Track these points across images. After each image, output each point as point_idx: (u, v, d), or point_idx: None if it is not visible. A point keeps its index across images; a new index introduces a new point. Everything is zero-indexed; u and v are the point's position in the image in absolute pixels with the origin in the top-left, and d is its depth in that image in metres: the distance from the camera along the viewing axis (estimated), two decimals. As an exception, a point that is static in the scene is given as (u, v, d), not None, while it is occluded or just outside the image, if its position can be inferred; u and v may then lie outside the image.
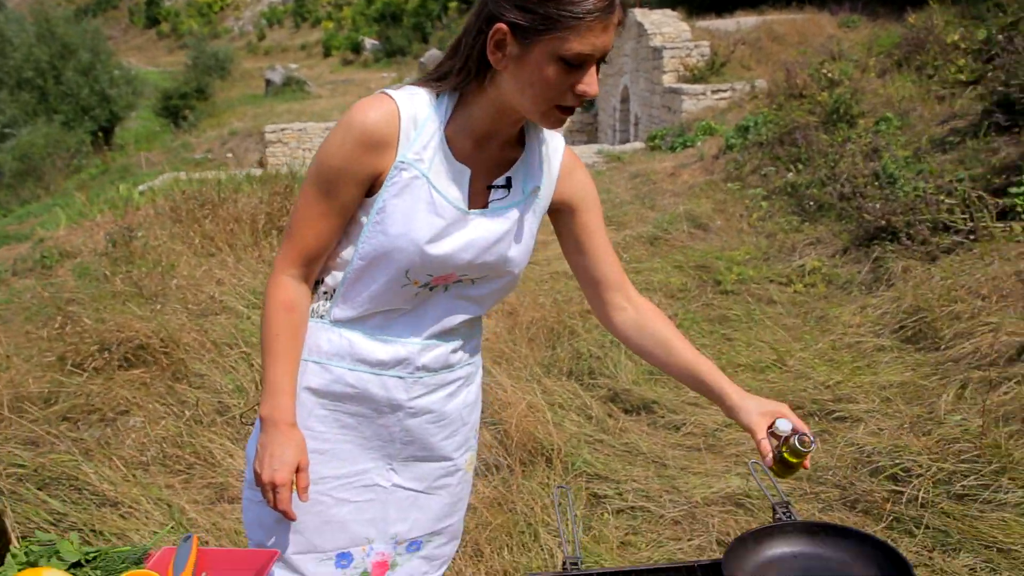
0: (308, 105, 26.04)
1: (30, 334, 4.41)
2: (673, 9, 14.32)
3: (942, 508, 2.81)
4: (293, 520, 1.43)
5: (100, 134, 24.53)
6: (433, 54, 25.88)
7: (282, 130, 16.29)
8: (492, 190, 1.44)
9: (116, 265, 5.77)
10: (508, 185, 1.45)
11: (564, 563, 1.69)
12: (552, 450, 3.32)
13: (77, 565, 1.05)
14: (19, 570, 1.03)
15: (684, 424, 3.60)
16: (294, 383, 1.47)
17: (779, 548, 1.60)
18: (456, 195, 1.39)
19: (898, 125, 6.83)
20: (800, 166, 6.92)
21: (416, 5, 34.42)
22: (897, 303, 4.34)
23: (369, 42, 34.82)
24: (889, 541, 1.59)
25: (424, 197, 1.36)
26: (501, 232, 1.44)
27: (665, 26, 12.79)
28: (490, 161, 1.43)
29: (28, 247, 7.60)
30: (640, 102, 13.22)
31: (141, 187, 10.43)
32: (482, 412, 3.69)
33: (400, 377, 1.50)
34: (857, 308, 4.54)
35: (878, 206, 5.24)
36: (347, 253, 1.46)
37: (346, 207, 1.40)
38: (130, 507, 3.02)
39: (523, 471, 3.27)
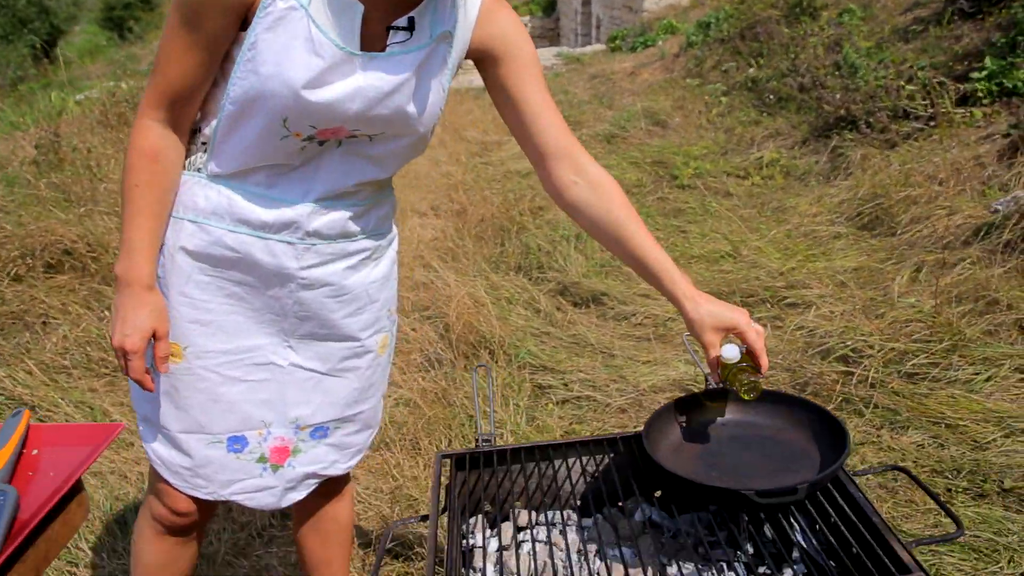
0: (259, 14, 24.89)
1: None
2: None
3: (892, 387, 2.75)
4: (150, 391, 1.28)
5: (41, 47, 23.30)
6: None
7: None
8: (391, 32, 1.24)
9: (43, 172, 5.44)
10: (411, 27, 1.24)
11: (477, 440, 1.57)
12: (495, 343, 3.20)
13: None
14: None
15: (634, 315, 3.49)
16: (154, 241, 1.28)
17: (707, 416, 1.49)
18: (342, 34, 1.18)
19: (861, 16, 6.60)
20: (761, 60, 6.70)
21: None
22: (854, 191, 4.22)
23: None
24: (824, 406, 1.48)
25: (302, 33, 1.16)
26: (398, 82, 1.24)
27: (627, -79, 12.22)
28: None
29: (-45, 159, 7.17)
30: (602, 4, 12.77)
31: (78, 96, 9.89)
32: (426, 309, 3.49)
33: (289, 243, 1.34)
34: (814, 198, 4.42)
35: (838, 96, 5.08)
36: (222, 97, 1.27)
37: (214, 40, 1.19)
38: (48, 410, 2.86)
39: (465, 365, 3.15)
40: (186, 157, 1.34)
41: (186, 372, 1.38)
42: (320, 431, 1.51)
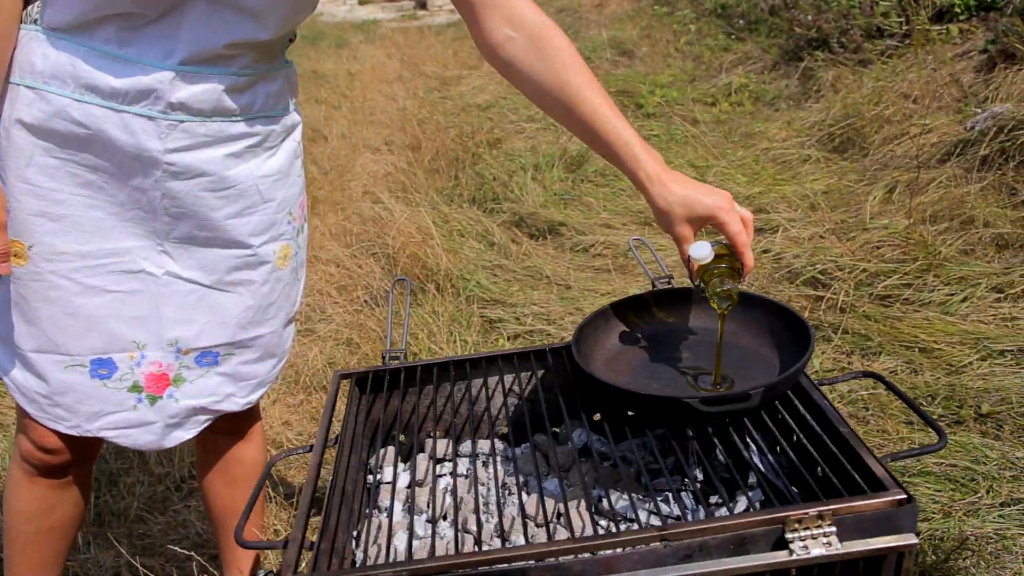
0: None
1: None
2: None
3: (863, 311, 2.58)
4: None
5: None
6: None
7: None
8: None
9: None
10: None
11: (384, 356, 1.36)
12: (441, 275, 2.98)
13: None
14: None
15: (593, 245, 3.29)
16: None
17: (652, 322, 1.29)
18: None
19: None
20: (731, -14, 6.41)
21: None
22: (826, 113, 4.01)
23: None
24: (782, 302, 1.28)
25: None
26: None
27: None
28: None
29: None
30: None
31: None
32: (375, 240, 3.14)
33: (149, 117, 1.09)
34: (784, 122, 4.21)
35: (810, 16, 4.83)
36: None
37: None
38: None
39: (412, 300, 2.93)
40: (23, 7, 1.09)
41: (34, 278, 1.15)
42: (208, 356, 1.29)
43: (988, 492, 1.93)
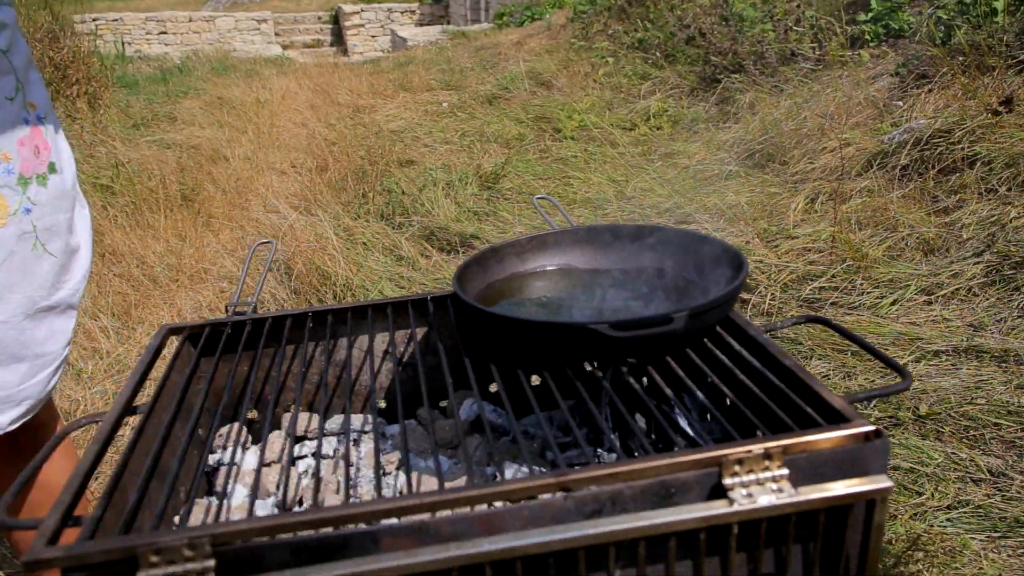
0: (133, 3, 23.52)
1: None
2: None
3: (792, 315, 2.43)
4: None
5: None
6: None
7: (94, 20, 14.40)
8: None
9: None
10: None
11: (227, 307, 1.10)
12: (340, 284, 2.71)
13: None
14: None
15: (508, 258, 3.07)
16: None
17: (539, 260, 1.07)
18: None
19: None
20: (649, 24, 6.44)
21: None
22: (744, 132, 3.95)
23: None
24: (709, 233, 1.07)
25: None
26: None
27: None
28: None
29: None
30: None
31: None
32: (274, 260, 2.75)
33: None
34: (703, 143, 4.13)
35: (726, 43, 4.83)
36: None
37: None
38: None
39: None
40: None
41: None
42: None
43: (934, 494, 1.76)
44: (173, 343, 1.06)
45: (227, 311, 1.07)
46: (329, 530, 0.61)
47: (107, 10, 21.89)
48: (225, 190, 4.11)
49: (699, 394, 0.79)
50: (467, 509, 0.63)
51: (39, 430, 1.15)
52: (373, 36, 15.19)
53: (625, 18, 6.91)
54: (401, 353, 1.09)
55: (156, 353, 0.97)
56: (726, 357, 0.85)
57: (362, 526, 0.62)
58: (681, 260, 0.97)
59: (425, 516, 0.63)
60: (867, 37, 4.38)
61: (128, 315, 2.78)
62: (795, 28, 4.47)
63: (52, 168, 1.04)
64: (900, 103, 3.64)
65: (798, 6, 4.65)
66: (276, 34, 15.05)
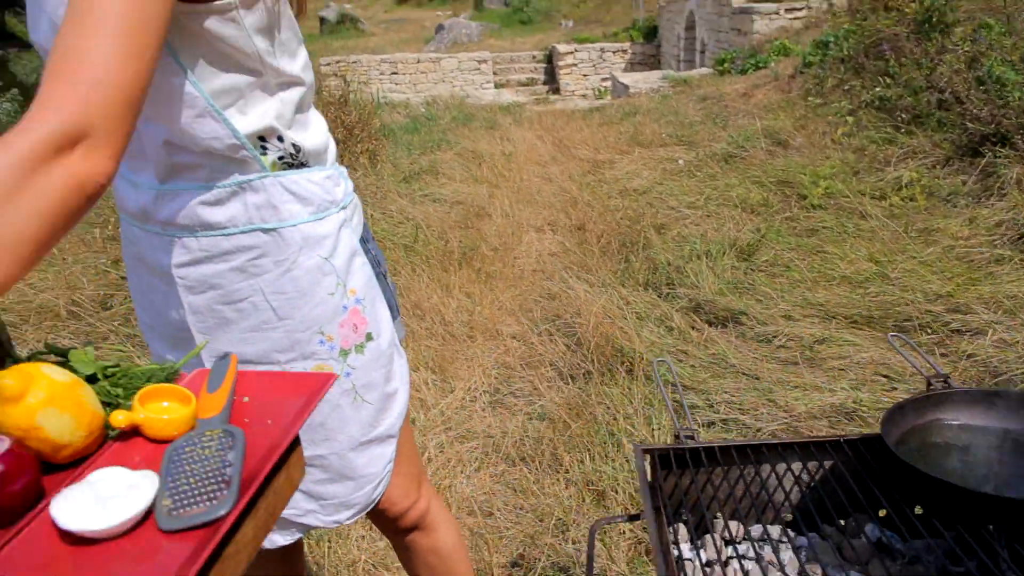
0: (362, 42, 25.68)
1: (83, 237, 4.26)
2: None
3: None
4: None
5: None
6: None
7: (337, 62, 16.00)
8: None
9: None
10: None
11: (677, 435, 1.42)
12: (633, 357, 3.04)
13: (93, 380, 0.80)
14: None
15: (776, 336, 3.28)
16: None
17: (943, 416, 1.30)
18: None
19: (1002, 31, 6.20)
20: (889, 80, 6.37)
21: (470, -59, 33.44)
22: (1014, 212, 3.90)
23: (421, -20, 34.00)
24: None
25: None
26: None
27: (734, -56, 12.01)
28: None
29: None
30: (707, 27, 12.57)
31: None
32: (554, 320, 3.19)
33: (156, 233, 1.13)
34: (965, 220, 4.11)
35: (985, 111, 4.75)
36: None
37: None
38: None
39: (602, 379, 3.00)
40: None
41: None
42: None
43: None
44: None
45: (677, 438, 1.39)
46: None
47: (341, 50, 24.09)
48: (495, 248, 4.60)
49: None
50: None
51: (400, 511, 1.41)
52: (585, 75, 15.76)
53: (862, 72, 6.86)
54: (809, 480, 1.36)
55: (645, 470, 1.30)
56: None
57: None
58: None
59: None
60: None
61: (443, 369, 3.25)
62: (1069, 101, 4.33)
63: (369, 337, 1.24)
64: None
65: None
66: (494, 73, 16.00)
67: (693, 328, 3.42)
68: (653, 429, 2.70)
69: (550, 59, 16.22)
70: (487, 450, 2.71)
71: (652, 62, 15.80)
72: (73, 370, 0.79)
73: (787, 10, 10.52)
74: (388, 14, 35.07)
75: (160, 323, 1.23)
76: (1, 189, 0.71)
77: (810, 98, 6.78)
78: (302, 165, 1.14)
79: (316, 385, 0.93)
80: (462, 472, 2.62)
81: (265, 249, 1.12)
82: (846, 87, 6.77)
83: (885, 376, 2.90)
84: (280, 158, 1.11)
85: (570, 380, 3.07)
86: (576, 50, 15.72)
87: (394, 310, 1.35)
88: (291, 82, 1.11)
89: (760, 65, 9.35)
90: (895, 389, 2.78)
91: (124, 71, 0.79)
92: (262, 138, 1.08)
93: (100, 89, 0.77)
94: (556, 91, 15.80)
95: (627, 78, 10.94)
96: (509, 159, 6.73)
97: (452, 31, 19.45)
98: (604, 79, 15.51)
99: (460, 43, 18.87)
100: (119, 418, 0.80)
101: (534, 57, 16.46)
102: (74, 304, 3.66)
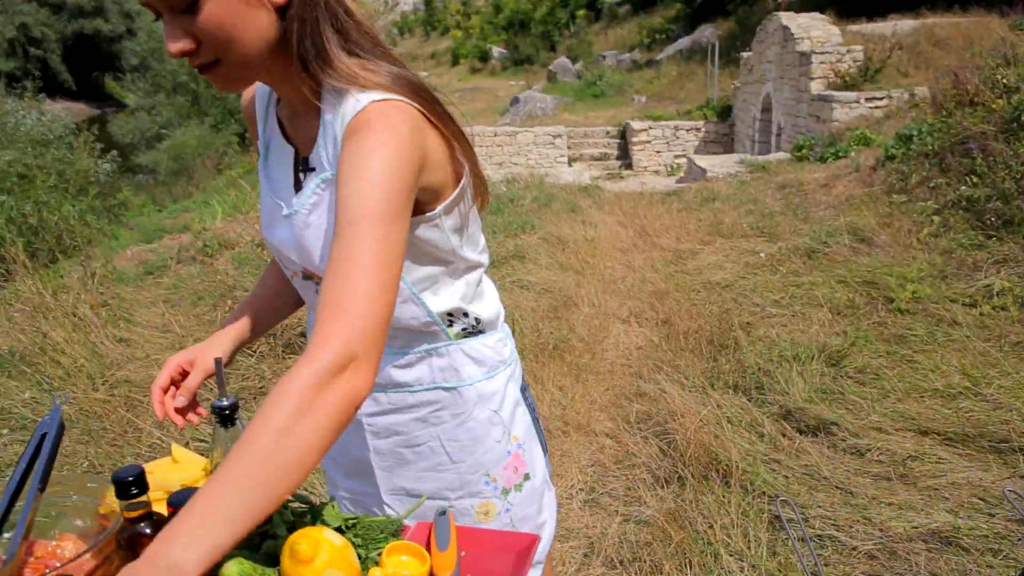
0: (438, 111, 26.55)
1: (200, 316, 4.57)
2: (822, 12, 13.71)
3: None
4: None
5: (246, 136, 25.78)
6: (562, 62, 25.85)
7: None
8: (305, 173, 1.19)
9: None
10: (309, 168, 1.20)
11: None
12: (728, 466, 3.13)
13: (338, 531, 0.99)
14: (287, 528, 0.97)
15: (869, 450, 3.33)
16: None
17: None
18: (280, 176, 1.23)
19: (1093, 136, 6.21)
20: (976, 179, 6.39)
21: (544, 14, 34.47)
22: (1112, 331, 3.89)
23: (497, 50, 35.13)
24: None
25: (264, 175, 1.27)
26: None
27: (813, 30, 12.21)
28: (306, 135, 1.20)
29: (188, 238, 7.97)
30: (784, 111, 12.72)
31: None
32: (646, 420, 3.31)
33: None
34: (1059, 335, 4.11)
35: (1079, 223, 4.75)
36: None
37: None
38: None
39: (697, 486, 3.09)
40: None
41: None
42: None
43: None
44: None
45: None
46: None
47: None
48: (583, 339, 4.76)
49: None
50: None
51: None
52: (658, 151, 16.01)
53: (948, 170, 6.89)
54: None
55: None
56: None
57: None
58: None
59: None
60: None
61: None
62: None
63: (526, 477, 1.40)
64: None
65: None
66: (568, 147, 16.37)
67: (784, 435, 3.49)
68: (749, 541, 2.77)
69: (623, 135, 16.54)
70: (586, 551, 2.82)
71: (726, 141, 15.98)
72: (323, 522, 0.97)
73: (867, 99, 10.61)
74: (462, 82, 36.25)
75: (341, 456, 1.43)
76: (297, 410, 0.88)
77: (894, 196, 6.83)
78: (480, 332, 1.34)
79: (521, 544, 1.10)
80: (563, 573, 2.73)
81: (444, 404, 1.31)
82: (931, 184, 6.80)
83: (982, 499, 2.92)
84: (463, 329, 1.31)
85: (664, 484, 3.17)
86: (650, 127, 16.01)
87: (544, 447, 1.53)
88: (474, 266, 1.33)
89: (840, 154, 9.42)
90: (993, 516, 2.80)
91: (380, 302, 0.97)
92: (450, 314, 1.29)
93: (363, 320, 0.95)
94: (629, 166, 16.07)
95: (703, 161, 11.12)
96: (592, 245, 6.93)
97: (527, 104, 19.99)
98: (677, 156, 15.73)
99: (535, 116, 19.37)
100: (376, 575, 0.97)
101: (608, 132, 16.80)
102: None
